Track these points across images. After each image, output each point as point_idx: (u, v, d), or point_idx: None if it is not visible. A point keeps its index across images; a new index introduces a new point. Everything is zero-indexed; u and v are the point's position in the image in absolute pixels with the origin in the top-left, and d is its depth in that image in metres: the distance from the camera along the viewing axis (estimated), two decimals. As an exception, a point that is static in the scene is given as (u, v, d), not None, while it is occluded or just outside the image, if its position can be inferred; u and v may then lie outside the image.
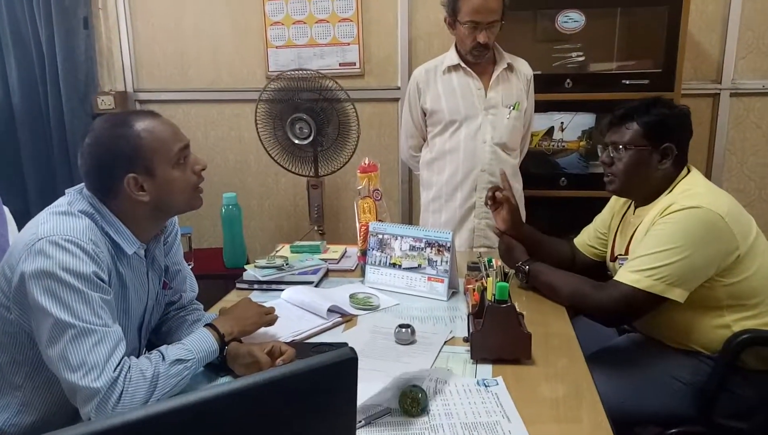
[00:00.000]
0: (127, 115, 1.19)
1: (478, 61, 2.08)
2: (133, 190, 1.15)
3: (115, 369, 1.04)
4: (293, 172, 2.77)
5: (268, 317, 1.41)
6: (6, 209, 1.57)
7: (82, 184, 1.20)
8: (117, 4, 3.00)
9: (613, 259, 1.68)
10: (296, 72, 2.68)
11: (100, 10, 3.03)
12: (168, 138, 1.18)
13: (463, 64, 2.11)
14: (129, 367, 1.06)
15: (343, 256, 2.02)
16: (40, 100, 3.05)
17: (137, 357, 1.12)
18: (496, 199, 1.79)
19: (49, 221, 1.10)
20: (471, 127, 2.11)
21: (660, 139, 1.51)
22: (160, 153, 1.16)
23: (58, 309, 1.03)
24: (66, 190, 1.20)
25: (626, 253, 1.58)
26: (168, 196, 1.18)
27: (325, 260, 1.93)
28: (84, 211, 1.15)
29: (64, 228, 1.08)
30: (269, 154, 2.74)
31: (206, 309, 1.51)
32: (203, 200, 1.27)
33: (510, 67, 2.13)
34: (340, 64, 2.91)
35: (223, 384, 0.58)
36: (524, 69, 2.17)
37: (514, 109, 2.12)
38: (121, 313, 1.20)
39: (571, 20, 2.43)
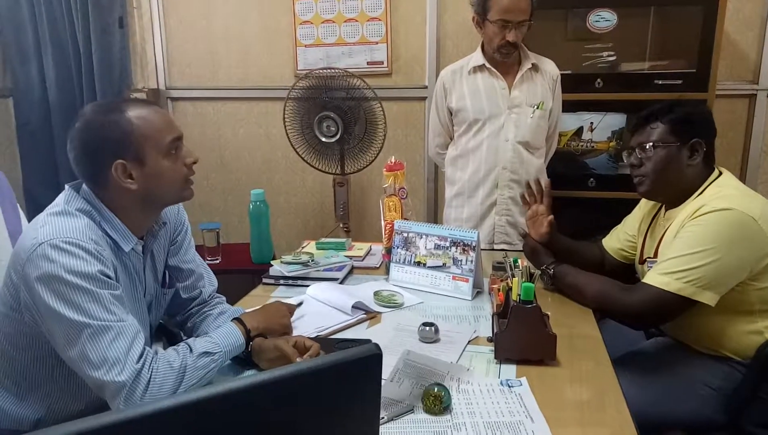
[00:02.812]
0: (120, 102, 1.16)
1: (505, 60, 2.08)
2: (120, 178, 1.12)
3: (138, 360, 1.05)
4: (320, 170, 2.79)
5: (290, 323, 1.43)
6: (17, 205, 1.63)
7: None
8: (151, 3, 3.06)
9: (642, 261, 1.65)
10: (324, 70, 2.70)
11: (134, 10, 3.09)
12: (161, 126, 1.15)
13: (488, 65, 2.11)
14: (153, 357, 1.07)
15: (368, 253, 2.03)
16: (75, 96, 3.13)
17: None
18: (530, 195, 1.81)
19: (47, 224, 1.09)
20: (494, 125, 2.11)
21: (687, 135, 1.49)
22: (151, 141, 1.13)
23: (71, 311, 1.03)
24: (66, 185, 1.18)
25: (655, 255, 1.55)
26: (157, 185, 1.16)
27: (350, 257, 1.94)
28: (81, 209, 1.13)
29: (63, 230, 1.07)
30: (296, 152, 2.77)
31: (232, 303, 1.53)
32: (192, 189, 1.23)
33: (535, 67, 2.12)
34: (368, 63, 2.92)
35: (248, 376, 0.60)
36: (550, 69, 2.16)
37: (538, 108, 2.11)
38: (132, 303, 1.20)
39: (603, 19, 2.39)
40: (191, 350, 1.13)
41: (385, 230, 1.85)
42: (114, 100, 1.23)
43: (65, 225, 1.09)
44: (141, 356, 1.06)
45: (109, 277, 1.09)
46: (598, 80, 2.42)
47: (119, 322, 1.06)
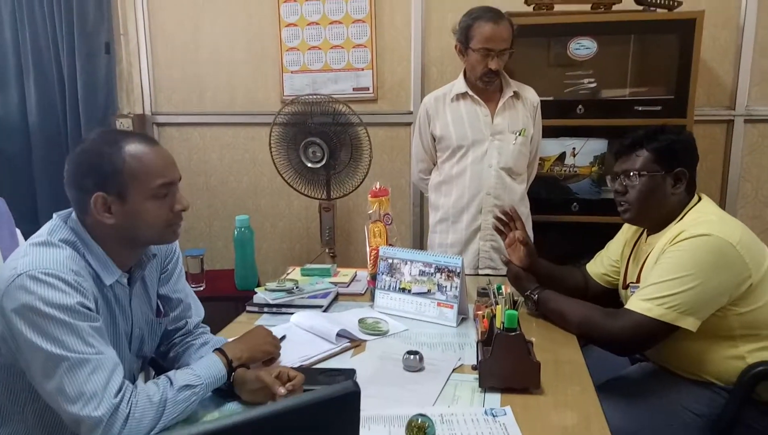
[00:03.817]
0: (122, 135, 1.16)
1: (488, 87, 2.11)
2: (98, 210, 1.11)
3: (116, 395, 1.03)
4: (306, 195, 2.80)
5: (276, 350, 1.41)
6: (18, 231, 1.61)
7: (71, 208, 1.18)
8: (138, 29, 3.08)
9: (625, 286, 1.67)
10: (310, 96, 2.72)
11: (121, 36, 3.11)
12: (154, 169, 1.13)
13: (470, 92, 2.14)
14: (133, 392, 1.06)
15: (353, 279, 2.02)
16: (59, 122, 3.11)
17: (133, 382, 1.11)
18: (503, 225, 1.81)
19: (28, 254, 1.07)
20: (478, 151, 2.14)
21: (671, 164, 1.51)
22: (139, 181, 1.12)
23: (48, 343, 1.01)
24: (54, 214, 1.17)
25: (638, 280, 1.57)
26: (135, 225, 1.14)
27: (335, 284, 1.93)
28: (65, 239, 1.12)
29: (42, 261, 1.06)
30: (282, 177, 2.77)
31: (216, 331, 1.51)
32: (178, 232, 1.24)
33: (516, 95, 2.16)
34: (353, 89, 2.95)
35: (225, 417, 0.59)
36: (531, 96, 2.19)
37: (520, 135, 2.15)
38: (112, 336, 1.18)
39: (583, 47, 2.44)
40: (171, 383, 1.12)
41: (370, 256, 1.85)
42: (119, 131, 1.22)
43: (45, 256, 1.07)
44: (119, 391, 1.04)
45: (89, 308, 1.07)
46: (580, 106, 2.46)
47: (97, 355, 1.04)
